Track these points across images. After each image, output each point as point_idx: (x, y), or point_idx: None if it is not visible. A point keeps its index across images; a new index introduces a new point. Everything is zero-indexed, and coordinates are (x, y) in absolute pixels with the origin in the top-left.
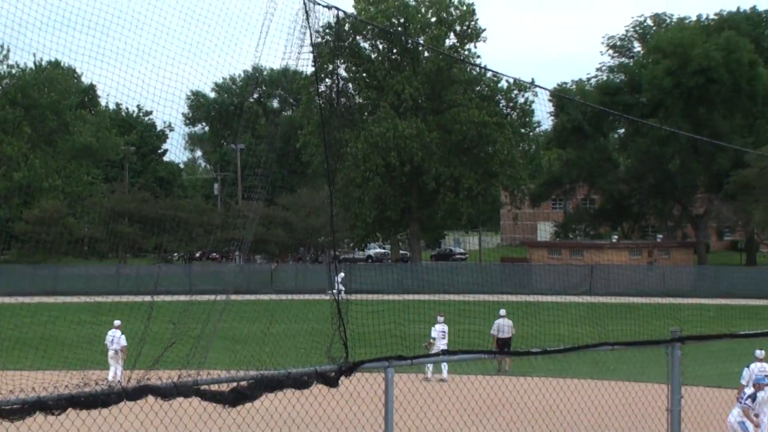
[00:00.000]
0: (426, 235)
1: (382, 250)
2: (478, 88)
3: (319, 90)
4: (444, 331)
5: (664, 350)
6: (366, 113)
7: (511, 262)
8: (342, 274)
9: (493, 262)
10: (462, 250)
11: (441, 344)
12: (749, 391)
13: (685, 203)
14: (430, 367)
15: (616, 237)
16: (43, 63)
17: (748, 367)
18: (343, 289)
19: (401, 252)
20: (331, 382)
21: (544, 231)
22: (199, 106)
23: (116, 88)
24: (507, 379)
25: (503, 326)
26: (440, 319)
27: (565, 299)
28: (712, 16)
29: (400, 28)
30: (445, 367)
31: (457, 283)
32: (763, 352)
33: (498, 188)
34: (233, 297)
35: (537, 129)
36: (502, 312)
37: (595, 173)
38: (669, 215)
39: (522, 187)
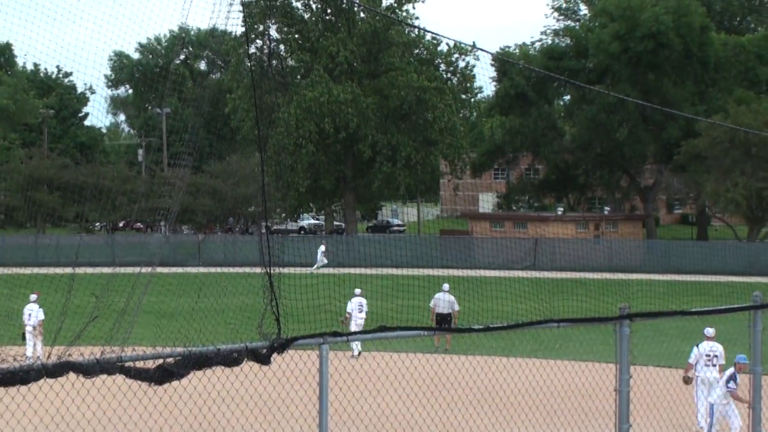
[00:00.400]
0: (362, 205)
1: (316, 222)
2: (416, 51)
3: (249, 52)
4: (361, 305)
5: (612, 328)
6: (299, 77)
7: (451, 234)
8: (323, 247)
9: (433, 234)
10: (400, 222)
11: (358, 319)
12: (728, 372)
13: (633, 174)
14: (357, 344)
15: (561, 209)
16: None
17: (697, 345)
18: (326, 261)
19: (336, 223)
20: (263, 359)
21: (486, 202)
22: (122, 68)
23: (34, 48)
24: (447, 357)
25: (443, 301)
26: (358, 292)
27: (508, 274)
28: None
29: None
30: (357, 344)
31: (394, 256)
32: (713, 330)
33: (437, 157)
34: (159, 269)
35: (478, 95)
36: (445, 286)
37: (540, 142)
38: (617, 187)
39: (463, 156)
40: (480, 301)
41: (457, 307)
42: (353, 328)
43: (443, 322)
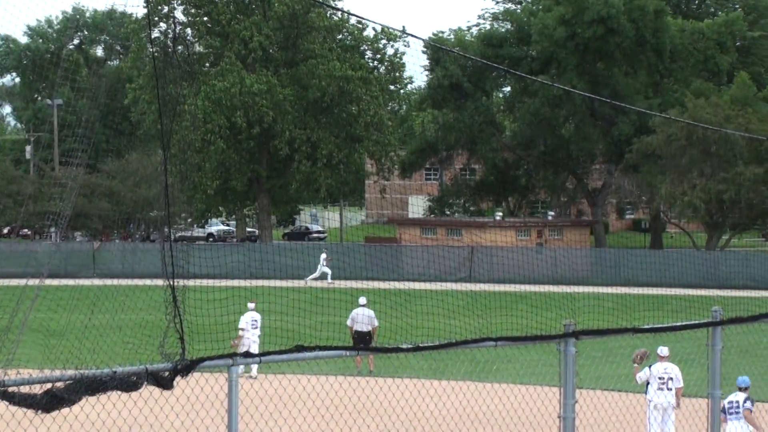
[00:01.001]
0: (278, 209)
1: (226, 228)
2: (339, 36)
3: (152, 36)
4: (256, 321)
5: (555, 347)
6: (208, 64)
7: (377, 242)
8: (324, 255)
9: (357, 242)
10: (320, 228)
11: (254, 336)
12: (740, 396)
13: (580, 175)
14: (255, 366)
15: (500, 214)
16: None
17: (649, 366)
18: (328, 271)
19: (248, 230)
20: (165, 383)
21: (417, 206)
22: (8, 53)
23: None
24: (371, 380)
25: (361, 316)
26: (251, 305)
27: (440, 286)
28: None
29: None
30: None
31: (314, 266)
32: (667, 349)
33: (363, 155)
34: (47, 281)
35: (408, 86)
36: (362, 300)
37: (476, 139)
38: (562, 189)
39: (391, 155)
40: (409, 317)
41: (376, 323)
42: (246, 348)
43: (362, 340)
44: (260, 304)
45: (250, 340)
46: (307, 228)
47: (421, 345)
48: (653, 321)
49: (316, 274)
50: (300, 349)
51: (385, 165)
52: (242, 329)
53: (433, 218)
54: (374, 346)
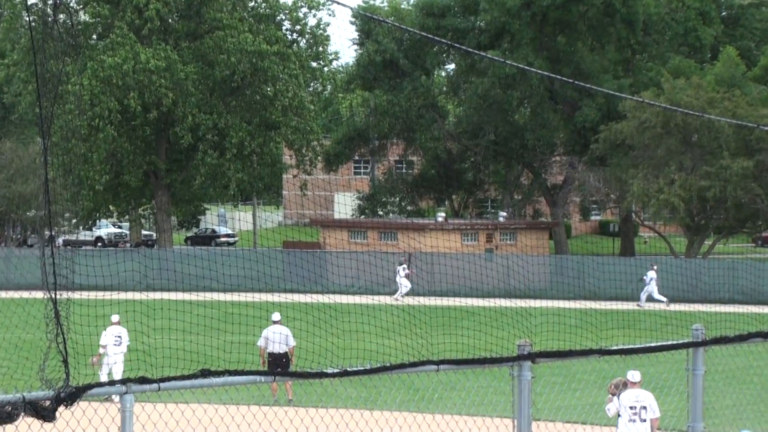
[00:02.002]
0: (179, 209)
1: (118, 230)
2: (252, 4)
3: (29, 2)
4: (120, 337)
5: (508, 372)
6: (95, 36)
7: (297, 247)
8: (403, 267)
9: (273, 247)
10: (230, 231)
11: (115, 355)
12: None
13: (537, 169)
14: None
15: (442, 215)
16: None
17: (618, 396)
18: (408, 286)
19: (144, 233)
20: (46, 414)
21: (344, 205)
22: None
23: None
24: (290, 411)
25: (275, 335)
26: (114, 318)
27: (372, 300)
28: None
29: None
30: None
31: (222, 276)
32: (638, 374)
33: (280, 145)
34: None
35: (334, 63)
36: (275, 316)
37: (415, 125)
38: (515, 185)
39: (313, 144)
40: (334, 337)
41: (292, 342)
42: (105, 369)
43: (278, 363)
44: (158, 321)
45: (112, 358)
46: (213, 231)
47: (349, 369)
48: (623, 341)
49: (403, 290)
50: (206, 373)
51: (307, 156)
52: (103, 346)
53: (364, 219)
54: (294, 371)
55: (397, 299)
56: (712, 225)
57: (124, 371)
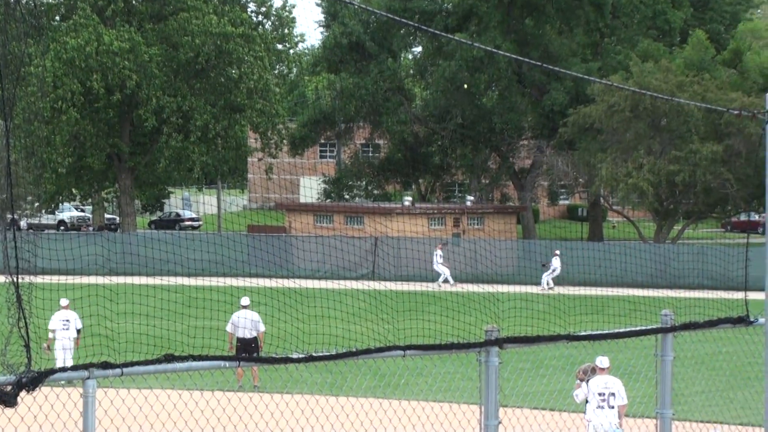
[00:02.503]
0: (143, 192)
1: (81, 214)
2: None
3: None
4: (68, 321)
5: (475, 357)
6: (57, 18)
7: (262, 231)
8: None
9: (238, 231)
10: (194, 215)
11: (64, 340)
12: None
13: (505, 152)
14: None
15: (409, 199)
16: None
17: (587, 382)
18: (447, 271)
19: (107, 217)
20: (8, 399)
21: (310, 189)
22: None
23: None
24: (256, 396)
25: (244, 321)
26: (63, 302)
27: (338, 285)
28: None
29: None
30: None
31: (186, 260)
32: (607, 359)
33: (245, 128)
34: None
35: (300, 45)
36: (244, 301)
37: (381, 109)
38: (483, 169)
39: (279, 127)
40: (300, 322)
41: (262, 328)
42: (59, 354)
43: (246, 349)
44: (122, 305)
45: (61, 346)
46: (177, 215)
47: (314, 354)
48: (592, 327)
49: (446, 275)
50: (170, 358)
51: (272, 140)
52: (52, 331)
53: (330, 203)
54: (258, 356)
55: (440, 285)
56: (681, 210)
57: (81, 357)
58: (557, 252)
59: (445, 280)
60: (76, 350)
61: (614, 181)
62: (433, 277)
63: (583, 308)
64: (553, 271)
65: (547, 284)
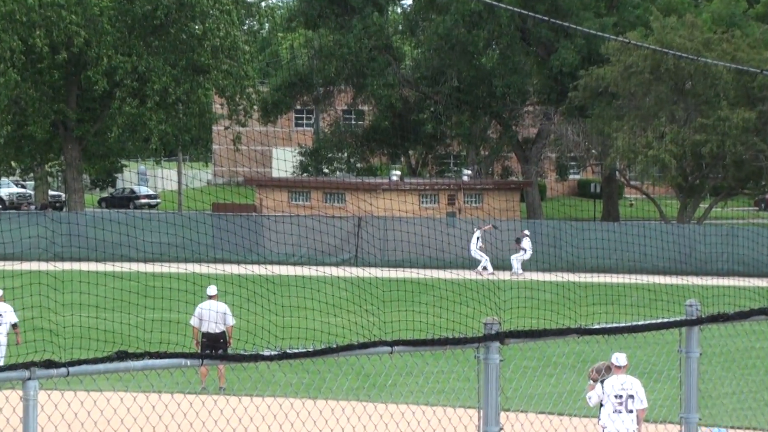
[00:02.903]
0: (92, 166)
1: (21, 190)
2: None
3: None
4: (1, 315)
5: (473, 354)
6: None
7: (229, 210)
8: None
9: (202, 210)
10: (151, 192)
11: None
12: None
13: (507, 120)
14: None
15: (397, 173)
16: None
17: (601, 382)
18: (485, 257)
19: (52, 193)
20: None
21: (284, 162)
22: None
23: None
24: (222, 400)
25: (210, 313)
26: None
27: (316, 272)
28: None
29: None
30: None
31: (142, 243)
32: (624, 357)
33: (210, 92)
34: None
35: None
36: (211, 290)
37: (366, 70)
38: (482, 139)
39: (248, 91)
40: (273, 314)
41: (231, 321)
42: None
43: (214, 345)
44: (68, 295)
45: None
46: (132, 191)
47: (289, 351)
48: (606, 319)
49: (485, 263)
50: (123, 356)
51: (241, 105)
52: None
53: (307, 178)
54: (225, 354)
55: (480, 273)
56: (708, 185)
57: (22, 355)
58: (526, 232)
59: (484, 268)
60: (14, 347)
61: (632, 152)
62: (403, 262)
63: (596, 298)
64: (524, 252)
65: (517, 270)
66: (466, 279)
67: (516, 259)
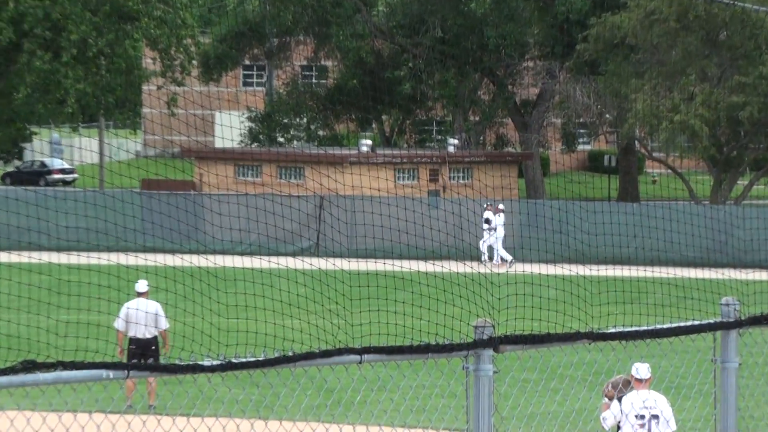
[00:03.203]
0: None
1: None
2: None
3: None
4: None
5: (461, 364)
6: None
7: (162, 188)
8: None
9: (128, 188)
10: (66, 165)
11: None
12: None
13: (501, 78)
14: None
15: (368, 143)
16: None
17: (619, 399)
18: (497, 249)
19: None
20: None
21: (229, 129)
22: None
23: None
24: (152, 420)
25: (138, 315)
26: None
27: (269, 263)
28: None
29: None
30: None
31: (55, 228)
32: (646, 368)
33: (139, 44)
34: None
35: None
36: (141, 286)
37: (330, 17)
38: (471, 101)
39: (186, 43)
40: (216, 314)
41: (165, 324)
42: None
43: (143, 353)
44: None
45: None
46: (43, 164)
47: (235, 361)
48: (624, 321)
49: (501, 251)
50: (30, 366)
51: (177, 60)
52: None
53: (258, 149)
54: (158, 363)
55: (498, 264)
56: (747, 157)
57: None
58: (501, 206)
59: (503, 259)
60: None
61: (654, 117)
62: (375, 251)
63: (611, 295)
64: (493, 233)
65: (501, 258)
66: (453, 273)
67: (491, 243)
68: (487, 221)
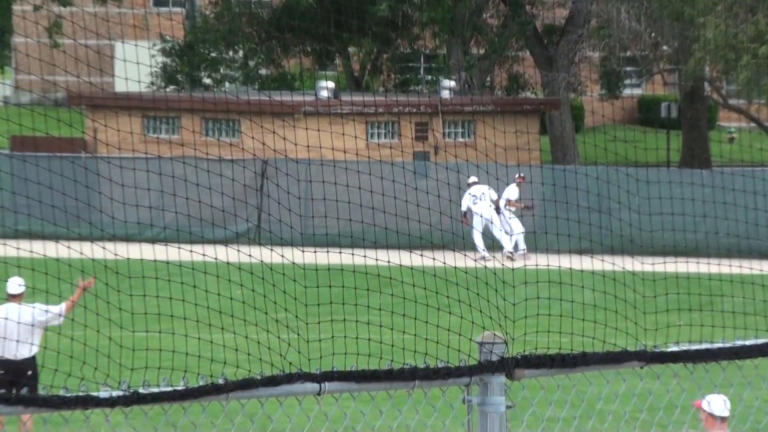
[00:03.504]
0: None
1: None
2: None
3: None
4: None
5: (460, 396)
6: None
7: (42, 150)
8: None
9: None
10: None
11: None
12: None
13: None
14: None
15: (330, 85)
16: None
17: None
18: (508, 235)
19: None
20: None
21: (135, 66)
22: None
23: None
24: None
25: (9, 327)
26: None
27: (190, 254)
28: None
29: None
30: None
31: None
32: (722, 401)
33: None
34: None
35: None
36: (13, 286)
37: None
38: (473, 27)
39: None
40: (117, 326)
41: (57, 311)
42: None
43: (14, 380)
44: None
45: None
46: None
47: (143, 391)
48: (689, 336)
49: (477, 239)
50: None
51: None
52: None
53: (174, 95)
54: (36, 395)
55: (511, 257)
56: None
57: None
58: (521, 175)
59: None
60: None
61: (731, 50)
62: (340, 238)
63: (672, 300)
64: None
65: (514, 248)
66: (449, 266)
67: (504, 232)
68: (527, 207)
